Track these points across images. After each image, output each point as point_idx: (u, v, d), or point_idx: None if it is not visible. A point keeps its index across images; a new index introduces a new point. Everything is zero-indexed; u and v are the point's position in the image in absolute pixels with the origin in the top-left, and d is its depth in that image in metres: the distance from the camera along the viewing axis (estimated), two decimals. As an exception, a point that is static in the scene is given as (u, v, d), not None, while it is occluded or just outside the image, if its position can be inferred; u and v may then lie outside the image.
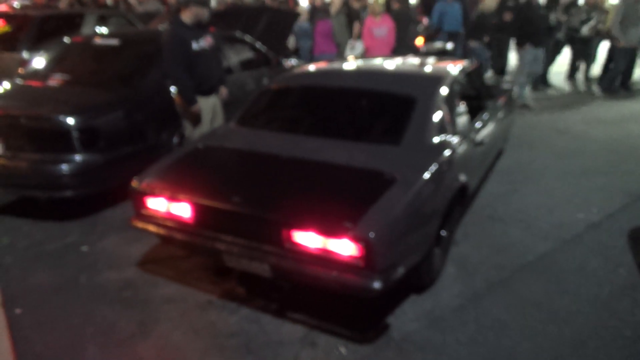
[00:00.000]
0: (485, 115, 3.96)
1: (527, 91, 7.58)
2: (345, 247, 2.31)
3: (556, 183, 4.65)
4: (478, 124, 3.74)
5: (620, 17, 7.40)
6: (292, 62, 6.73)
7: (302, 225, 2.39)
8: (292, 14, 7.25)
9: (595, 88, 8.47)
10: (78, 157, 3.74)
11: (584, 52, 9.10)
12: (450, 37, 8.23)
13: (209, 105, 4.14)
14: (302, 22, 7.71)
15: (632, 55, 8.00)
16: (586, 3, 8.99)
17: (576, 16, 8.74)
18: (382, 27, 7.03)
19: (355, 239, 2.25)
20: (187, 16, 3.91)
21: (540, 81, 8.87)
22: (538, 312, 2.79)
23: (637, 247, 3.51)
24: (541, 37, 7.27)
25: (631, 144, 5.79)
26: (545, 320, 2.73)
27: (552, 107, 7.57)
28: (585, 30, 8.58)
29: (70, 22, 7.26)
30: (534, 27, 7.13)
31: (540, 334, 2.62)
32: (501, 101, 4.60)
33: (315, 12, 7.93)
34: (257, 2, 10.90)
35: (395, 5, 7.73)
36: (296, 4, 10.18)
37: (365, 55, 7.31)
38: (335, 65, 4.17)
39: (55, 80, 4.49)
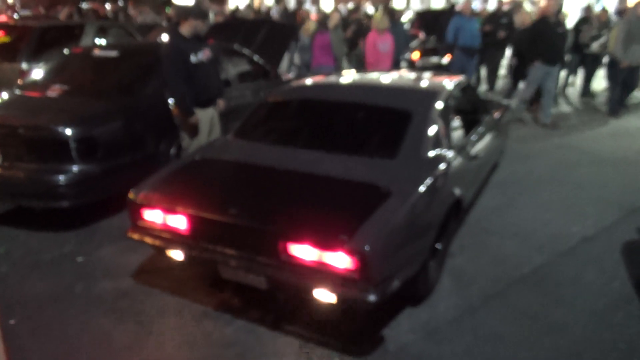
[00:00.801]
0: (480, 129, 3.99)
1: (552, 110, 7.37)
2: (341, 260, 2.32)
3: (551, 196, 4.68)
4: (473, 138, 3.77)
5: (624, 36, 7.14)
6: (290, 74, 6.77)
7: (299, 238, 2.40)
8: (292, 28, 7.32)
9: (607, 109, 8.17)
10: (75, 167, 3.74)
11: (592, 69, 9.10)
12: (466, 52, 8.06)
13: (206, 117, 4.17)
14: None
15: (635, 74, 7.73)
16: (597, 20, 9.04)
17: (586, 32, 8.76)
18: (385, 43, 7.11)
19: (351, 251, 2.26)
20: (185, 29, 3.96)
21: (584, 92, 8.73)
22: (534, 324, 2.80)
23: (631, 260, 3.53)
24: (556, 55, 6.91)
25: (626, 158, 5.85)
26: (541, 332, 2.74)
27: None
28: (595, 46, 8.55)
29: (70, 33, 7.32)
30: (547, 45, 6.79)
31: (536, 345, 2.63)
32: (496, 115, 4.65)
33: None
34: (249, 13, 10.98)
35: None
36: (303, 18, 10.05)
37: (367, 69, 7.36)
38: (332, 78, 4.21)
39: (54, 91, 4.51)
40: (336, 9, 8.92)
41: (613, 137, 6.75)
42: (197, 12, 3.96)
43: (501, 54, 9.29)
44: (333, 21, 7.88)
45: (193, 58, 3.95)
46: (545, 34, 6.77)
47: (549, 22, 6.82)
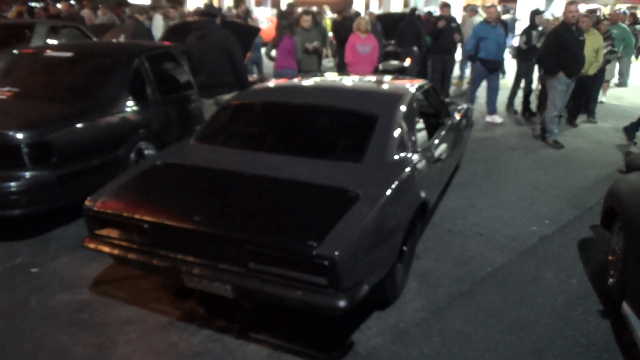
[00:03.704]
0: (443, 132, 4.06)
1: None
2: (309, 266, 2.29)
3: (511, 197, 4.82)
4: (436, 141, 3.82)
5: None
6: (253, 76, 6.70)
7: (266, 244, 2.36)
8: (253, 30, 7.24)
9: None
10: (28, 174, 3.56)
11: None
12: (488, 65, 7.32)
13: None
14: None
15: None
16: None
17: None
18: (366, 45, 7.15)
19: (320, 257, 2.23)
20: None
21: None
22: (498, 323, 2.86)
23: (587, 257, 3.67)
24: (580, 66, 6.36)
25: (580, 160, 6.10)
26: (505, 331, 2.80)
27: (505, 126, 7.84)
28: None
29: (20, 33, 7.00)
30: (570, 55, 6.14)
31: (502, 344, 2.69)
32: (458, 118, 4.74)
33: (280, 28, 7.97)
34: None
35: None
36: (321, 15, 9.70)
37: (347, 70, 7.39)
38: (297, 82, 4.18)
39: (3, 94, 4.28)
40: (306, 12, 8.87)
41: (566, 141, 7.01)
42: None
43: (453, 59, 9.32)
44: (303, 25, 7.85)
45: None
46: (568, 44, 6.12)
47: (571, 30, 6.14)
